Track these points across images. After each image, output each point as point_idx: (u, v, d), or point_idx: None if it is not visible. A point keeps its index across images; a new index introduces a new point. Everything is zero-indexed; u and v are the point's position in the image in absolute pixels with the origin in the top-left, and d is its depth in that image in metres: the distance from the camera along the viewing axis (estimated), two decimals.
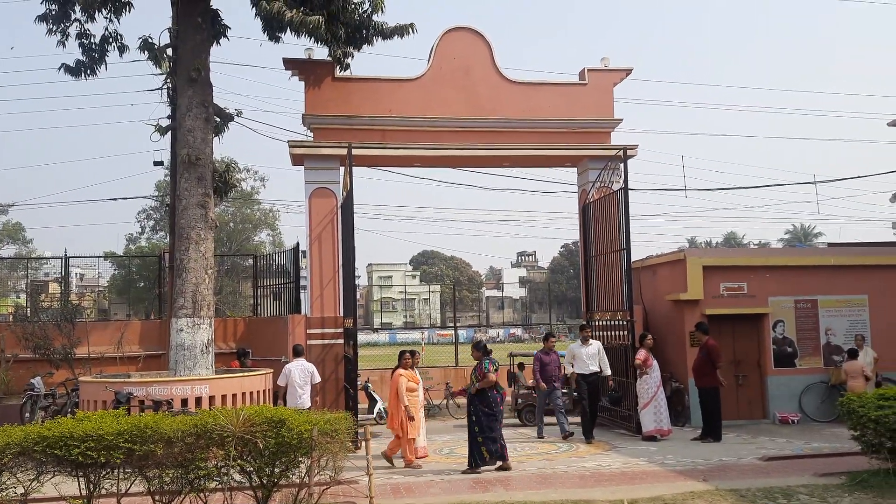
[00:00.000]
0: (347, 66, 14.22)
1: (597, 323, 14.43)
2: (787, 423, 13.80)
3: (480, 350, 10.61)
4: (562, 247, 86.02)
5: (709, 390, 12.38)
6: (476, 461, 10.04)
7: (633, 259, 13.60)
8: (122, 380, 11.99)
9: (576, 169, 16.08)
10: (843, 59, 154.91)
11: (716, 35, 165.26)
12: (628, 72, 15.59)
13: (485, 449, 10.01)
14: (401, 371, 10.86)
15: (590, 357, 12.60)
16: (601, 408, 13.20)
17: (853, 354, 13.43)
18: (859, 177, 32.62)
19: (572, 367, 12.74)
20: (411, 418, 10.54)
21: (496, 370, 10.35)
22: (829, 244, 22.60)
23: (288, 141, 14.35)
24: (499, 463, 10.07)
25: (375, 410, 15.62)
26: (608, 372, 12.68)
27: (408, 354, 11.15)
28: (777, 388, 14.18)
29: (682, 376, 13.84)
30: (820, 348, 14.44)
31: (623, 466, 10.24)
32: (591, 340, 12.90)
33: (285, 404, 11.23)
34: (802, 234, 72.17)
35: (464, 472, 9.98)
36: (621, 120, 15.39)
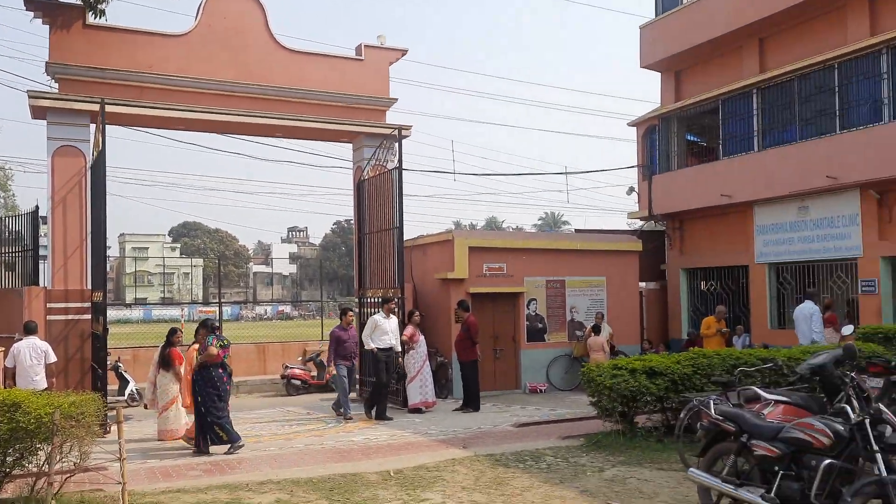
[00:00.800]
0: (102, 13, 12.76)
1: (369, 300, 14.55)
2: (536, 393, 15.05)
3: (207, 328, 10.24)
4: (334, 224, 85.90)
5: (468, 364, 13.08)
6: (210, 441, 9.71)
7: (405, 238, 13.88)
8: None
9: (351, 145, 16.01)
10: (597, 63, 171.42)
11: (494, 27, 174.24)
12: (404, 52, 15.77)
13: (218, 428, 9.69)
14: (196, 347, 10.28)
15: (392, 331, 12.65)
16: (368, 382, 13.32)
17: (596, 330, 14.97)
18: (602, 170, 36.46)
19: (371, 340, 12.56)
20: None
21: (223, 347, 10.00)
22: (576, 230, 24.96)
23: (28, 91, 12.61)
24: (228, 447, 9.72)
25: (127, 392, 14.57)
26: (399, 349, 12.83)
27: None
28: (529, 360, 15.40)
29: (448, 351, 14.48)
30: (566, 324, 15.90)
31: (390, 438, 10.48)
32: (392, 315, 12.94)
33: None
34: (553, 221, 79.03)
35: (226, 453, 9.58)
36: (396, 99, 15.58)
